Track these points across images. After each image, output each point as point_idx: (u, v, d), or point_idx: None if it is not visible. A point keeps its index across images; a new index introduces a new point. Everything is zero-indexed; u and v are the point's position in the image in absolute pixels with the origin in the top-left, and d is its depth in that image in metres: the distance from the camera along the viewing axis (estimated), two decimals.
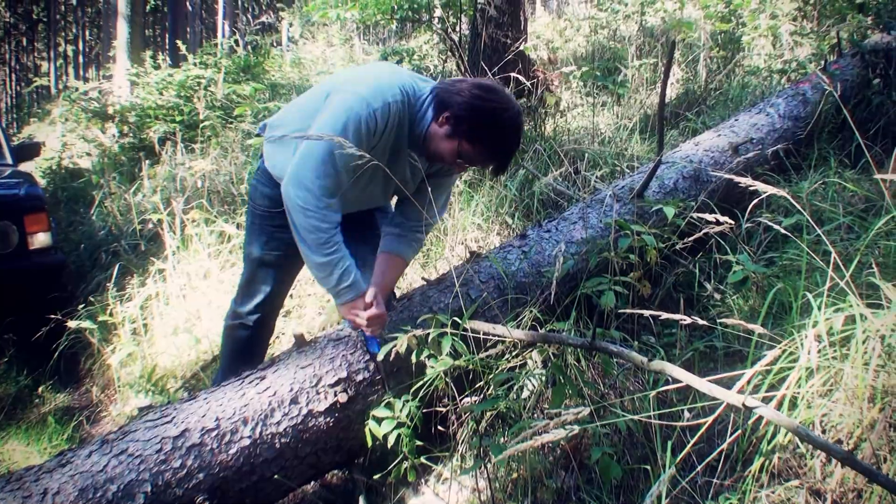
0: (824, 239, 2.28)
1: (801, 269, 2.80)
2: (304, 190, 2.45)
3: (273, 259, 3.01)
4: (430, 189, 2.63)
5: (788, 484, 2.16)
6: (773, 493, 2.14)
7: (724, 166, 4.11)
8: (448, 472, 2.83)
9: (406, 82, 2.57)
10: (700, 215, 2.47)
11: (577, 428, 1.67)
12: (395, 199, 3.04)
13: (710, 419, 1.81)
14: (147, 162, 7.43)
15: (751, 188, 2.07)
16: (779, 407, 1.99)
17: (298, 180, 2.46)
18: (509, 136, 2.54)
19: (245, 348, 3.14)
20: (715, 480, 2.30)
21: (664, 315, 1.93)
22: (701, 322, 1.90)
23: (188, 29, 30.32)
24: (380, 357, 2.55)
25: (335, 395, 2.58)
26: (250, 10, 41.72)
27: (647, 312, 1.95)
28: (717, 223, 2.34)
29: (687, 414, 2.07)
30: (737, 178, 2.10)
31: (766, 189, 1.95)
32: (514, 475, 2.64)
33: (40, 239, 4.99)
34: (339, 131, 2.39)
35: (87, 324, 4.21)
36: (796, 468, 2.23)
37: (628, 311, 2.13)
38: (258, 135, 3.02)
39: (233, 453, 2.33)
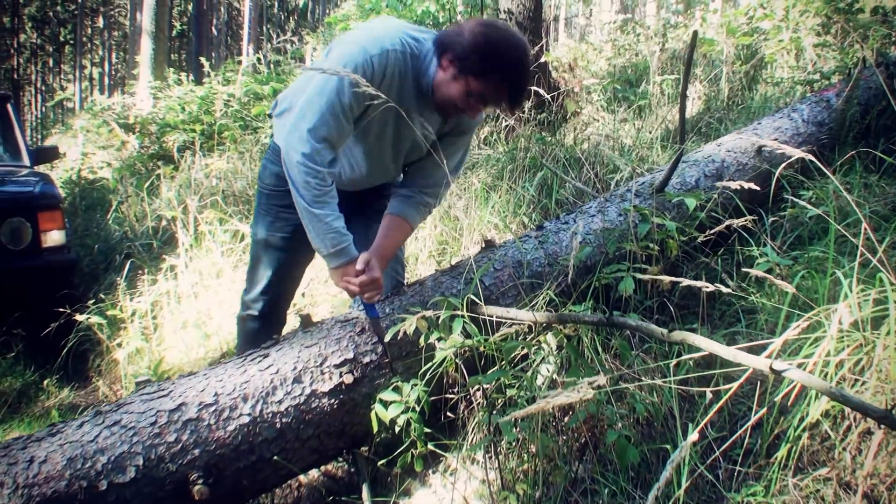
0: (860, 216, 2.19)
1: (826, 266, 2.69)
2: (302, 140, 2.39)
3: (278, 241, 2.94)
4: (441, 149, 2.55)
5: (817, 473, 2.04)
6: (800, 481, 2.03)
7: (746, 166, 4.01)
8: (457, 462, 2.71)
9: (408, 34, 2.51)
10: (727, 184, 2.35)
11: (592, 393, 1.56)
12: None
13: (734, 385, 1.70)
14: (165, 169, 7.44)
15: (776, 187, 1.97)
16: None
17: (296, 127, 2.41)
18: (518, 63, 2.43)
19: (255, 340, 3.03)
20: (738, 468, 2.18)
21: (685, 281, 1.82)
22: (723, 289, 1.79)
23: (213, 53, 30.68)
24: (387, 338, 2.47)
25: (340, 376, 2.48)
26: (275, 35, 42.18)
27: (666, 278, 1.84)
28: (740, 214, 2.24)
29: (709, 394, 1.95)
30: (767, 143, 1.99)
31: (796, 153, 1.84)
32: (525, 465, 2.52)
33: (54, 237, 4.96)
34: (323, 110, 2.36)
35: (95, 319, 4.15)
36: (825, 459, 2.11)
37: (647, 277, 2.02)
38: (269, 115, 2.95)
39: (231, 430, 2.23)
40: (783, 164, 3.02)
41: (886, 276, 2.00)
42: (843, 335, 1.93)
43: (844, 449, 2.05)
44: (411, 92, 2.53)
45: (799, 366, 1.81)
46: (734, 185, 2.18)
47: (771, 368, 1.61)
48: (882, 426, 1.78)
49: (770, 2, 8.81)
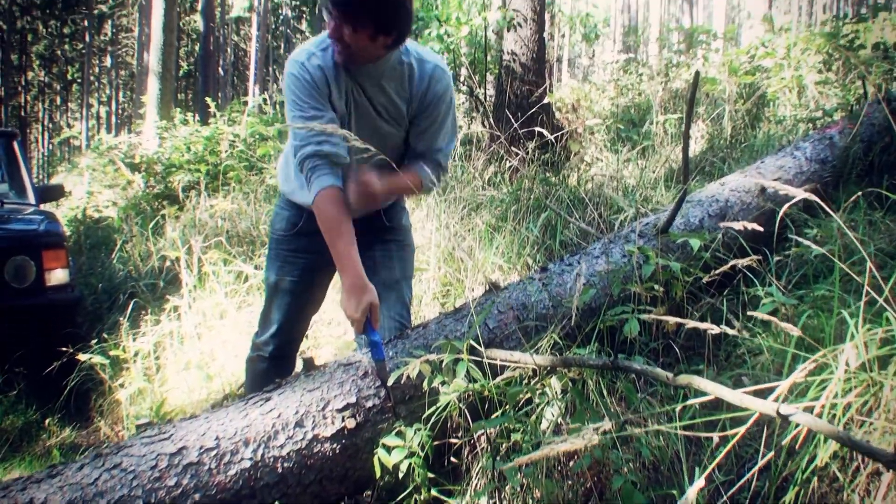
0: (865, 255, 2.17)
1: (832, 306, 2.68)
2: (293, 134, 2.62)
3: (287, 285, 2.99)
4: (426, 129, 2.74)
5: None
6: None
7: (750, 205, 4.00)
8: None
9: (317, 37, 2.68)
10: (729, 224, 2.35)
11: (597, 439, 1.54)
12: None
13: (741, 429, 1.68)
14: (170, 209, 7.47)
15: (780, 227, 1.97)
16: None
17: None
18: None
19: (264, 382, 3.02)
20: None
21: (691, 323, 1.80)
22: (729, 331, 1.77)
23: (219, 93, 30.93)
24: (390, 382, 2.45)
25: (343, 421, 2.46)
26: (281, 75, 42.57)
27: (672, 319, 1.83)
28: (744, 254, 2.23)
29: (716, 438, 1.92)
30: (770, 184, 1.99)
31: (799, 193, 1.84)
32: None
33: (57, 275, 4.95)
34: (291, 104, 2.59)
35: (98, 359, 4.14)
36: (834, 502, 2.08)
37: (652, 317, 2.00)
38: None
39: (232, 475, 2.21)
40: (787, 205, 3.01)
41: (893, 316, 1.98)
42: (850, 376, 1.91)
43: (853, 491, 2.02)
44: (346, 77, 2.63)
45: (806, 409, 1.79)
46: (738, 225, 2.17)
47: (778, 413, 1.59)
48: (891, 469, 1.76)
49: (771, 40, 8.89)
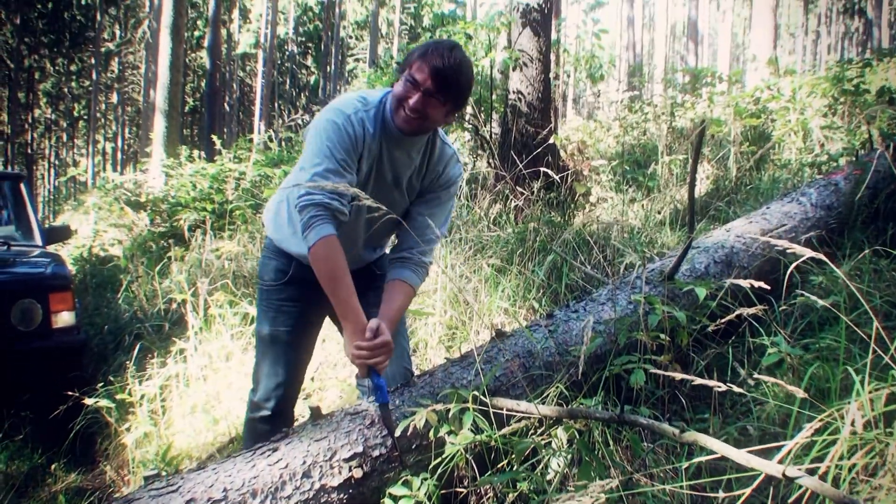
0: (869, 310, 2.18)
1: (838, 355, 2.69)
2: (304, 179, 2.55)
3: (283, 335, 2.97)
4: (428, 207, 2.76)
5: None
6: None
7: (756, 253, 4.02)
8: None
9: (372, 93, 2.73)
10: (736, 281, 2.37)
11: (603, 498, 1.55)
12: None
13: (747, 490, 1.68)
14: (176, 249, 7.49)
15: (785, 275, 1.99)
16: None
17: (298, 177, 2.64)
18: (440, 47, 2.55)
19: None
20: None
21: (697, 380, 1.82)
22: (735, 388, 1.79)
23: (225, 129, 31.16)
24: (397, 432, 2.46)
25: (350, 471, 2.46)
26: (286, 111, 42.93)
27: (678, 376, 1.84)
28: (750, 302, 2.25)
29: (721, 493, 1.93)
30: (778, 243, 2.01)
31: (805, 252, 1.86)
32: None
33: (64, 318, 4.98)
34: (324, 149, 2.55)
35: (104, 402, 4.14)
36: None
37: (660, 373, 2.02)
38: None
39: None
40: (794, 264, 3.03)
41: None
42: (855, 438, 1.91)
43: None
44: (378, 137, 2.68)
45: (811, 470, 1.80)
46: (745, 283, 2.19)
47: (784, 475, 1.60)
48: None
49: (777, 83, 8.96)
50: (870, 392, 2.05)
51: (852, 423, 1.74)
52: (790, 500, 1.89)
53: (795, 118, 7.48)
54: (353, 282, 2.62)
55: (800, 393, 1.75)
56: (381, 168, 2.72)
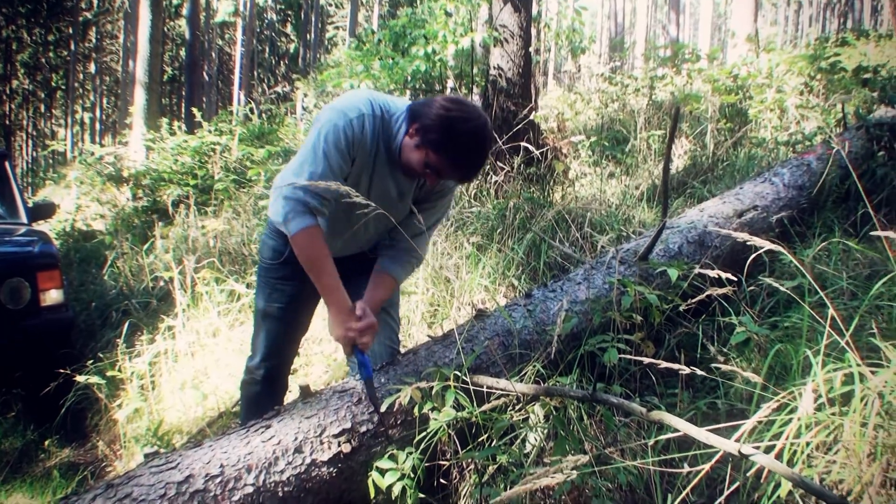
0: (827, 302, 2.31)
1: (802, 332, 2.83)
2: (286, 184, 2.62)
3: (275, 311, 3.11)
4: (422, 213, 2.75)
5: None
6: None
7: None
8: None
9: (378, 99, 2.72)
10: (703, 271, 2.51)
11: (575, 473, 1.68)
12: None
13: (706, 466, 1.83)
14: (160, 224, 7.55)
15: (754, 253, 2.12)
16: (777, 458, 2.00)
17: (282, 180, 2.69)
18: (471, 146, 2.59)
19: (258, 404, 3.17)
20: None
21: (664, 364, 1.96)
22: (699, 372, 1.93)
23: (204, 98, 30.91)
24: (383, 408, 2.60)
25: (339, 446, 2.60)
26: (266, 80, 42.61)
27: (646, 360, 1.98)
28: (720, 281, 2.38)
29: (686, 468, 2.08)
30: (740, 236, 2.14)
31: (765, 244, 2.00)
32: None
33: (52, 296, 5.05)
34: (319, 152, 2.59)
35: (95, 379, 4.24)
36: None
37: (631, 357, 2.15)
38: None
39: (236, 500, 2.34)
40: (757, 252, 3.17)
41: (853, 357, 2.13)
42: (810, 418, 2.06)
43: None
44: (383, 149, 2.73)
45: (768, 448, 1.94)
46: (713, 273, 2.33)
47: (740, 452, 1.74)
48: None
49: (755, 61, 9.05)
50: (826, 373, 2.19)
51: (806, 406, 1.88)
52: (749, 474, 2.04)
53: (772, 96, 7.59)
54: (349, 263, 2.75)
55: (755, 378, 1.89)
56: (382, 182, 2.81)
